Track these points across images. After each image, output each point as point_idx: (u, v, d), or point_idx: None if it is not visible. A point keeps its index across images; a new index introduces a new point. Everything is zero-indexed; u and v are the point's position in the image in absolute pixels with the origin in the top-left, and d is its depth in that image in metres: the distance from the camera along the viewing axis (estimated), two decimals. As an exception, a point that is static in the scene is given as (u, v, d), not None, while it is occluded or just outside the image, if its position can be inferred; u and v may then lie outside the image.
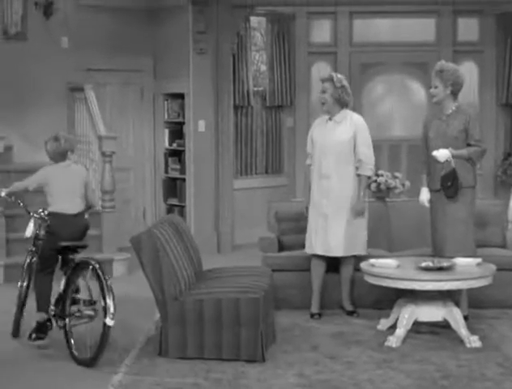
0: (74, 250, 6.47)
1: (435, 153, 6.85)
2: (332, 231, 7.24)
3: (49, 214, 6.50)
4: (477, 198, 7.18)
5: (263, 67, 11.77)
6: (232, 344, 6.05)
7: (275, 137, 11.82)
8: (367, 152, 7.28)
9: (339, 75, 7.43)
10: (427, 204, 7.14)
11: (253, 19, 11.53)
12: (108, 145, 9.49)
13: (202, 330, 6.08)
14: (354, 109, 7.63)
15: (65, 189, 6.55)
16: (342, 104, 7.32)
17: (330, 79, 7.32)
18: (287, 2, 11.01)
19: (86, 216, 6.68)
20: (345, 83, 7.33)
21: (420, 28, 11.79)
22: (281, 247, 7.92)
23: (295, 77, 11.76)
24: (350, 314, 7.42)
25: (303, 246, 7.48)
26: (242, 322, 6.02)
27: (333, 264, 7.41)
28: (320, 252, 7.31)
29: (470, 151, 6.88)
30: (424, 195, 7.14)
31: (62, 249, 6.44)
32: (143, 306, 7.67)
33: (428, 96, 7.61)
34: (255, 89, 11.55)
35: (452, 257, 6.75)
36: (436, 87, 6.98)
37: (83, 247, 6.54)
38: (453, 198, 6.87)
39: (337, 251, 7.28)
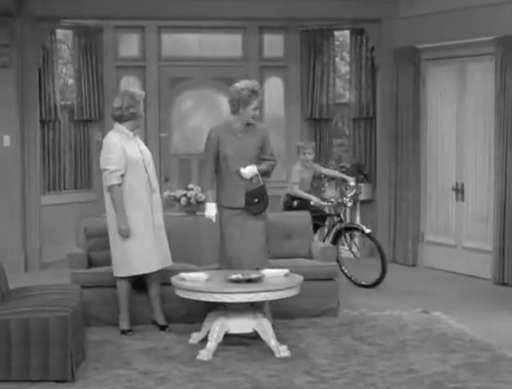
0: None
1: (242, 170, 6.95)
2: (166, 242, 7.33)
3: None
4: (283, 211, 7.33)
5: (71, 81, 11.58)
6: (41, 364, 5.89)
7: (84, 151, 11.63)
8: None
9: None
10: (214, 220, 7.19)
11: (60, 32, 11.35)
12: None
13: (8, 351, 5.88)
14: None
15: None
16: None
17: None
18: (94, 16, 10.86)
19: None
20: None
21: (228, 44, 11.96)
22: (90, 263, 7.80)
23: (103, 91, 11.62)
24: (162, 328, 7.39)
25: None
26: (51, 342, 5.87)
27: (136, 280, 7.38)
28: (167, 264, 7.31)
29: (268, 165, 7.05)
30: (212, 211, 7.16)
31: None
32: None
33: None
34: (62, 103, 11.33)
35: (251, 268, 6.84)
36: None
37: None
38: (259, 214, 7.01)
39: (170, 261, 7.37)
